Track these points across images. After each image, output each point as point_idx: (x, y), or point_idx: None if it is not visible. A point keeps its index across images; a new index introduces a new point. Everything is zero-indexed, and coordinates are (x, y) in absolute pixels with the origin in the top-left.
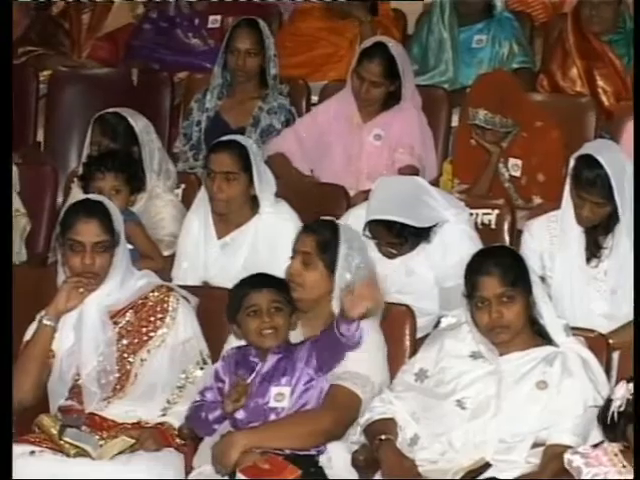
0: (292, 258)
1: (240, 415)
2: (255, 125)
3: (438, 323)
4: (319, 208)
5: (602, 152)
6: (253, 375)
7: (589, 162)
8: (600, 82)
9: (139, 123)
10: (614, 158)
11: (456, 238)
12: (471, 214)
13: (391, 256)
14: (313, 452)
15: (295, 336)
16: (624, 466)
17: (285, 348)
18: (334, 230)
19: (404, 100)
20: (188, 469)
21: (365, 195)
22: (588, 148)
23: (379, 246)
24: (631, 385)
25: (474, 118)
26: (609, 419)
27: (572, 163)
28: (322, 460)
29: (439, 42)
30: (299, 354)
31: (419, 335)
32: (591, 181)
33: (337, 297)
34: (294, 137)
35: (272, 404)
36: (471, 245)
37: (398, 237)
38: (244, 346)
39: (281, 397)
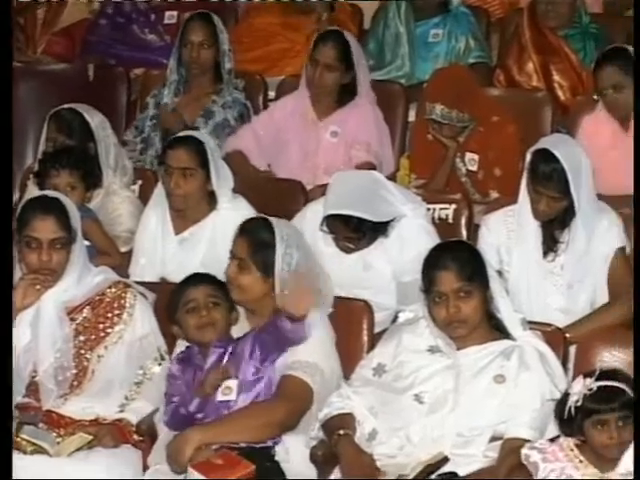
0: (230, 260)
1: (193, 410)
2: (207, 118)
3: (396, 318)
4: (276, 203)
5: (558, 146)
6: (200, 373)
7: (546, 156)
8: (556, 77)
9: (95, 119)
10: (570, 152)
11: (413, 233)
12: (428, 209)
13: (348, 251)
14: (270, 444)
15: (242, 330)
16: (581, 461)
17: (227, 342)
18: (269, 231)
19: (359, 96)
20: (146, 466)
21: (322, 190)
22: (544, 142)
23: (336, 241)
24: (589, 380)
25: (431, 113)
26: (566, 414)
27: (528, 157)
28: (280, 455)
29: (395, 37)
30: (243, 347)
31: (377, 330)
32: (547, 175)
33: (279, 295)
34: (251, 134)
35: (220, 397)
36: (428, 240)
37: (355, 232)
38: (187, 348)
39: (229, 390)
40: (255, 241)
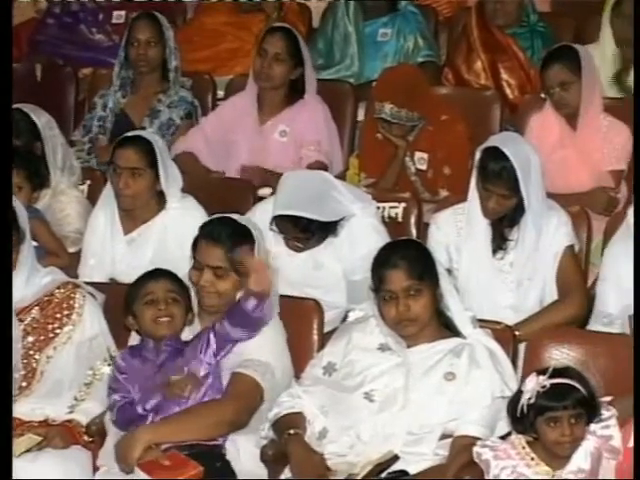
0: (197, 269)
1: (149, 409)
2: (153, 117)
3: (346, 317)
4: (226, 203)
5: (508, 144)
6: (153, 369)
7: (495, 154)
8: (504, 75)
9: (42, 119)
10: (519, 150)
11: (363, 232)
12: (378, 207)
13: (298, 250)
14: (219, 442)
15: (192, 331)
16: (532, 459)
17: (179, 341)
18: (245, 234)
19: (308, 94)
20: (96, 467)
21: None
22: (494, 140)
23: (286, 240)
24: (541, 377)
25: (380, 112)
26: (518, 411)
27: (478, 155)
28: (230, 454)
29: (344, 36)
30: (197, 344)
31: (327, 329)
32: (497, 173)
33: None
34: (200, 135)
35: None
36: (378, 238)
37: (304, 232)
38: (140, 342)
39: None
40: (231, 248)
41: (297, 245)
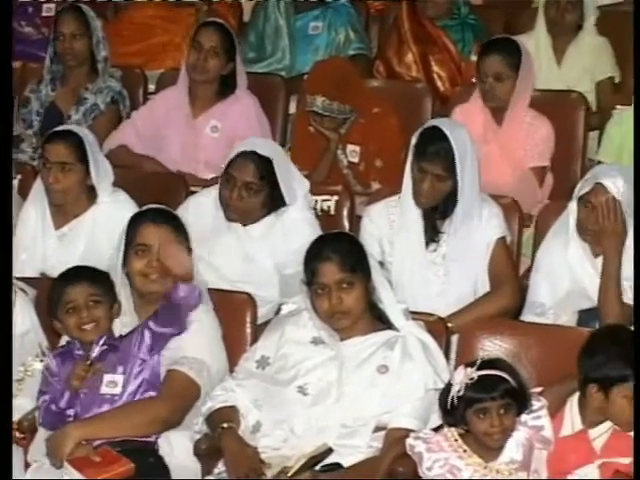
0: (140, 254)
1: (63, 407)
2: (79, 105)
3: (279, 310)
4: (158, 197)
5: (447, 126)
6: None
7: (434, 134)
8: (435, 68)
9: None
10: (459, 134)
11: (297, 225)
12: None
13: (237, 211)
14: (152, 438)
15: (131, 321)
16: (464, 450)
17: (111, 338)
18: (177, 220)
19: (239, 89)
20: (28, 463)
21: (204, 182)
22: (433, 122)
23: (228, 204)
24: (470, 369)
25: (312, 105)
26: (449, 404)
27: (415, 137)
28: (163, 449)
29: (275, 29)
30: (131, 341)
31: (260, 322)
32: (434, 152)
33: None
34: (132, 129)
35: (104, 390)
36: (311, 231)
37: (261, 179)
38: (68, 342)
39: (113, 385)
40: (174, 230)
41: (241, 196)
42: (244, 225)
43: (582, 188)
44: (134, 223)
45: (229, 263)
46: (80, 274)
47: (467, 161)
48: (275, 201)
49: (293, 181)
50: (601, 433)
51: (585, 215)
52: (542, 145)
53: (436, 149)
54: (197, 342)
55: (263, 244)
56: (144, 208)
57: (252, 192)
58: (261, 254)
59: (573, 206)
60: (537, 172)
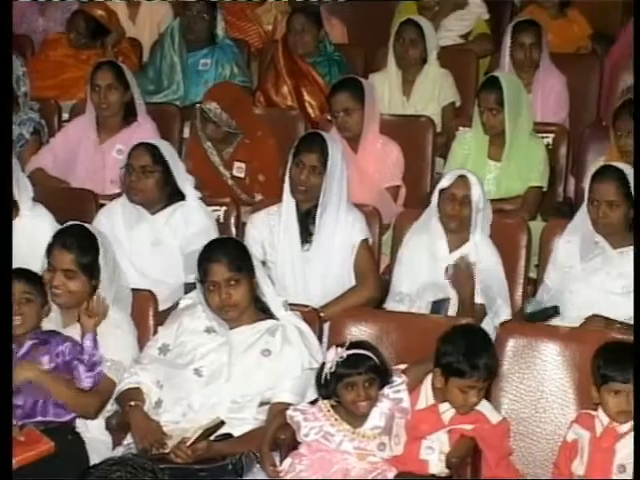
0: (51, 271)
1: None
2: None
3: (177, 304)
4: (71, 210)
5: (324, 133)
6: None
7: (312, 136)
8: (307, 97)
9: None
10: (334, 141)
11: (195, 213)
12: None
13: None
14: (71, 417)
15: (56, 323)
16: (336, 419)
17: (38, 333)
18: (90, 238)
19: (140, 116)
20: None
21: (111, 197)
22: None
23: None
24: (340, 349)
25: (205, 108)
26: (322, 379)
27: (296, 142)
28: (80, 427)
29: (171, 66)
30: (57, 336)
31: (167, 305)
32: (310, 144)
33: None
34: (50, 154)
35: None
36: (207, 220)
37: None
38: None
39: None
40: (79, 253)
41: (138, 178)
42: (152, 214)
43: (443, 183)
44: (52, 242)
45: (142, 249)
46: (18, 273)
47: (337, 165)
48: (171, 186)
49: (181, 169)
50: (449, 408)
51: (445, 203)
52: (393, 168)
53: (313, 143)
54: (116, 346)
55: (169, 228)
56: (64, 226)
57: (148, 173)
58: (168, 237)
59: (435, 199)
60: (391, 191)
